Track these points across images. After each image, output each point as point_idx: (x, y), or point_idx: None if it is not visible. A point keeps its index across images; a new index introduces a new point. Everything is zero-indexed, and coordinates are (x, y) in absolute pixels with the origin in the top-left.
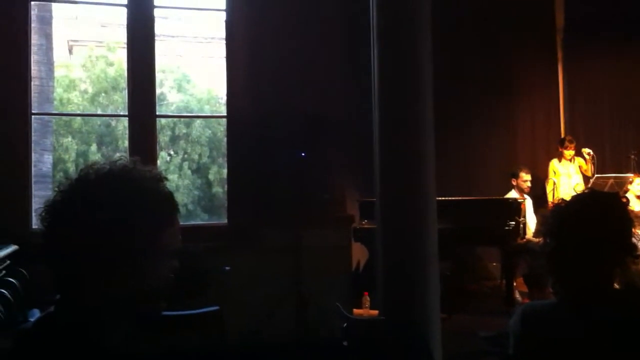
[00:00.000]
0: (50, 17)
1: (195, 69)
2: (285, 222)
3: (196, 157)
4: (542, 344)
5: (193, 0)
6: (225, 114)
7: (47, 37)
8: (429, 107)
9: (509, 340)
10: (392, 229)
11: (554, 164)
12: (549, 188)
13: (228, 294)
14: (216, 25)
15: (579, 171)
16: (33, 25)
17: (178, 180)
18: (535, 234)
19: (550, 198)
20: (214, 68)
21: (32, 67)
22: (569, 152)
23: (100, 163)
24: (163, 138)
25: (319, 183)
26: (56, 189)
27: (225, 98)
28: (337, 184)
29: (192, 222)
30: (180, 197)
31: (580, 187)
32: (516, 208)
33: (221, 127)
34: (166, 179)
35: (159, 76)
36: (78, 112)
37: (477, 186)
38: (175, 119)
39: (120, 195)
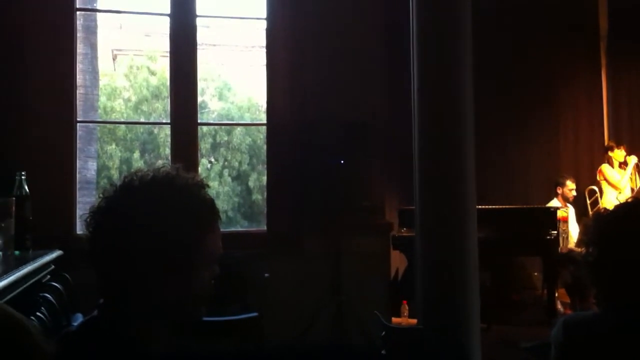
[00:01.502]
0: (95, 27)
1: (236, 77)
2: (324, 230)
3: (236, 164)
4: (584, 356)
5: (234, 9)
6: (265, 122)
7: (92, 46)
8: (470, 114)
9: (550, 351)
10: (431, 237)
11: (606, 170)
12: (592, 197)
13: (267, 301)
14: (257, 34)
15: (633, 179)
16: (78, 34)
17: (218, 187)
18: (578, 244)
19: (599, 204)
20: (254, 76)
21: (78, 76)
22: (618, 154)
23: (143, 170)
24: (204, 145)
25: (358, 190)
26: (100, 195)
27: (265, 106)
28: (377, 191)
29: (232, 229)
30: (221, 204)
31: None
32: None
33: (261, 134)
34: (208, 186)
35: (200, 84)
36: (122, 120)
37: (519, 194)
38: (216, 127)
39: (163, 201)
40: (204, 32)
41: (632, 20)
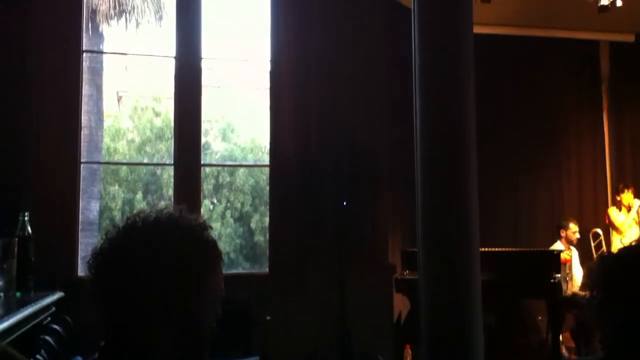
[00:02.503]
0: (101, 69)
1: (240, 118)
2: (327, 272)
3: (239, 205)
4: None
5: (238, 51)
6: (267, 163)
7: (98, 87)
8: (473, 156)
9: None
10: (434, 280)
11: (612, 213)
12: (596, 239)
13: (270, 343)
14: (261, 75)
15: (638, 223)
16: (84, 76)
17: (221, 228)
18: (582, 287)
19: (604, 247)
20: (258, 117)
21: (83, 117)
22: (626, 197)
23: (146, 211)
24: (207, 186)
25: (361, 232)
26: (103, 236)
27: (268, 147)
28: (380, 233)
29: (234, 271)
30: (223, 246)
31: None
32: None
33: (264, 175)
34: (210, 227)
35: (203, 125)
36: (125, 160)
37: (525, 237)
38: (219, 168)
39: (166, 243)
40: (209, 74)
41: (632, 62)
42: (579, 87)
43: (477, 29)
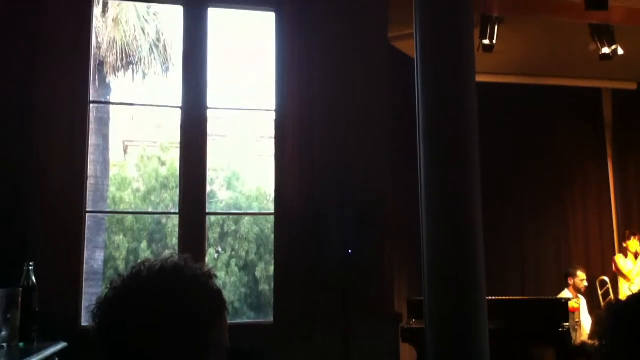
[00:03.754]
0: (108, 119)
1: (245, 167)
2: (332, 321)
3: (244, 254)
4: None
5: (244, 101)
6: (272, 211)
7: (104, 137)
8: (478, 206)
9: None
10: (441, 330)
11: (619, 260)
12: (603, 287)
13: None
14: (265, 124)
15: None
16: (91, 126)
17: (225, 277)
18: (591, 336)
19: (611, 295)
20: (263, 166)
21: (89, 167)
22: (633, 244)
23: (151, 260)
24: (212, 235)
25: (367, 280)
26: (108, 285)
27: (273, 195)
28: (386, 281)
29: (239, 320)
30: (227, 294)
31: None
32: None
33: (269, 224)
34: (215, 276)
35: (209, 174)
36: (130, 210)
37: (531, 286)
38: (224, 216)
39: (172, 292)
40: (214, 123)
41: (635, 110)
42: (582, 135)
43: (479, 78)
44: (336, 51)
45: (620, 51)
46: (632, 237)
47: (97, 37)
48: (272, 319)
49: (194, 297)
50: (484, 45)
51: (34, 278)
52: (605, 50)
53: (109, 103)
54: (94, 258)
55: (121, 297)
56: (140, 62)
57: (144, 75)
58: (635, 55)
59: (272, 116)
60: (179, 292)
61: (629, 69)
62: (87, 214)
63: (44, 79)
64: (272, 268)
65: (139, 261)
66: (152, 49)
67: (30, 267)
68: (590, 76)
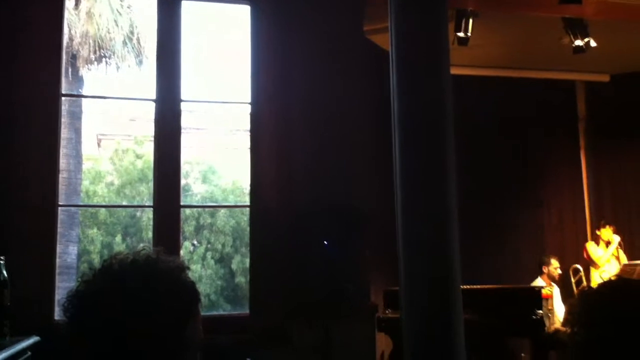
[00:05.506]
0: (80, 112)
1: (221, 160)
2: (309, 312)
3: (219, 246)
4: None
5: (219, 93)
6: (248, 204)
7: (77, 131)
8: (453, 197)
9: None
10: (416, 319)
11: (590, 247)
12: (576, 275)
13: None
14: (241, 117)
15: (617, 258)
16: (63, 119)
17: (201, 270)
18: (564, 323)
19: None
20: (239, 159)
21: (61, 160)
22: (605, 233)
23: (124, 253)
24: (188, 228)
25: (343, 272)
26: (79, 279)
27: (249, 188)
28: (363, 272)
29: (215, 313)
30: (203, 287)
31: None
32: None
33: (245, 216)
34: (189, 268)
35: (184, 167)
36: (104, 203)
37: (508, 275)
38: (200, 210)
39: (144, 285)
40: (190, 116)
41: (608, 102)
42: (556, 127)
43: (454, 71)
44: (313, 44)
45: (593, 43)
46: (606, 226)
47: (69, 30)
48: (248, 311)
49: (167, 290)
50: (459, 38)
51: (5, 273)
52: (579, 43)
53: (81, 96)
54: (67, 252)
55: (92, 291)
56: (114, 55)
57: (118, 68)
58: (608, 47)
59: (248, 109)
60: (152, 284)
61: (602, 62)
62: (60, 208)
63: (15, 72)
64: (248, 261)
65: (111, 254)
66: (125, 42)
67: (2, 262)
68: (564, 69)
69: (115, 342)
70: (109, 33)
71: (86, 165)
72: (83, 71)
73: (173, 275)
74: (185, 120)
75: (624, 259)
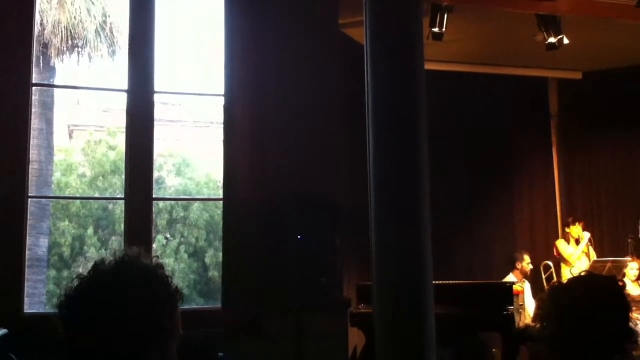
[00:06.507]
0: (52, 102)
1: (195, 153)
2: (283, 306)
3: (193, 240)
4: None
5: (192, 85)
6: (221, 197)
7: (48, 121)
8: (426, 191)
9: None
10: (388, 314)
11: (560, 245)
12: (547, 271)
13: None
14: (215, 110)
15: (587, 255)
16: (34, 110)
17: (174, 263)
18: (534, 319)
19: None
20: (213, 152)
21: (32, 151)
22: (574, 230)
23: (105, 258)
24: (160, 221)
25: (317, 267)
26: (73, 278)
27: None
28: (336, 267)
29: (187, 306)
30: (176, 281)
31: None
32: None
33: (218, 210)
34: (163, 267)
35: (158, 160)
36: (76, 195)
37: (479, 271)
38: (173, 203)
39: (132, 286)
40: (163, 109)
41: (580, 99)
42: (529, 123)
43: (429, 66)
44: (288, 37)
45: (566, 40)
46: (576, 223)
47: (41, 19)
48: (220, 305)
49: (154, 288)
50: (434, 33)
51: None
52: (552, 39)
53: (52, 86)
54: (37, 244)
55: (86, 290)
56: (86, 44)
57: (90, 58)
58: (580, 44)
59: (222, 102)
60: (139, 284)
61: (575, 59)
62: (30, 199)
63: None
64: (221, 254)
65: (96, 260)
66: (98, 31)
67: None
68: (537, 66)
69: (98, 342)
70: (81, 22)
71: (58, 156)
72: (55, 61)
73: (157, 274)
74: (159, 112)
75: (594, 256)
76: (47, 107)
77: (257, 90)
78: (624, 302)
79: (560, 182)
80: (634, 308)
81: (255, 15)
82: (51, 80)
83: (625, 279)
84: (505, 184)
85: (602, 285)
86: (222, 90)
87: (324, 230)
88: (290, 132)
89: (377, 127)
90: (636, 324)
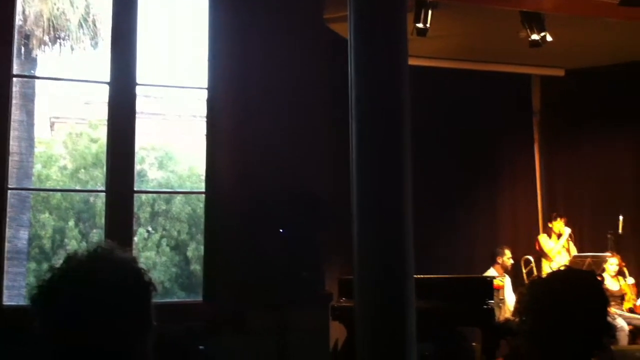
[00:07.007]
0: (33, 94)
1: (178, 146)
2: (263, 300)
3: (175, 233)
4: None
5: (176, 79)
6: (203, 190)
7: (29, 113)
8: (408, 186)
9: None
10: (370, 308)
11: (542, 240)
12: (527, 266)
13: None
14: (199, 103)
15: (568, 250)
16: (15, 101)
17: (155, 257)
18: (514, 313)
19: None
20: (196, 145)
21: (12, 143)
22: (557, 226)
23: (78, 252)
24: (143, 215)
25: (299, 260)
26: (47, 271)
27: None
28: (318, 261)
29: (168, 300)
30: (157, 275)
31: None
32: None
33: (201, 203)
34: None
35: (140, 153)
36: (57, 187)
37: (461, 266)
38: (155, 196)
39: (102, 280)
40: (146, 101)
41: (562, 97)
42: (511, 120)
43: (412, 62)
44: (272, 31)
45: (549, 38)
46: (559, 219)
47: (23, 10)
48: (201, 299)
49: (124, 282)
50: (418, 29)
51: None
52: (535, 37)
53: (34, 77)
54: (17, 237)
55: (58, 282)
56: (69, 36)
57: (72, 50)
58: (564, 42)
59: (205, 95)
60: (109, 277)
61: (558, 56)
62: (10, 191)
63: None
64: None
65: (68, 253)
66: (81, 23)
67: None
68: (520, 63)
69: (73, 336)
70: (64, 14)
71: (39, 148)
72: (36, 52)
73: (132, 267)
74: (142, 106)
75: (574, 251)
76: (28, 98)
77: (240, 83)
78: (602, 297)
79: (542, 179)
80: (612, 303)
81: (239, 9)
82: (32, 71)
83: (605, 274)
84: (488, 179)
85: (580, 280)
86: (205, 84)
87: (306, 225)
88: (274, 127)
89: (360, 122)
90: (614, 319)
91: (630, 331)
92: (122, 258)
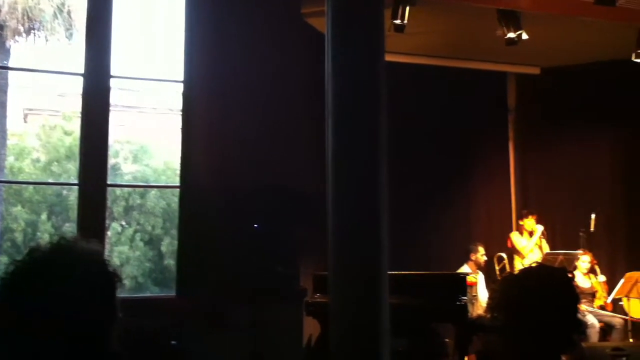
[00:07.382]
0: (6, 85)
1: (153, 140)
2: (237, 295)
3: (149, 228)
4: None
5: (152, 72)
6: (178, 184)
7: (2, 105)
8: (383, 181)
9: None
10: (344, 303)
11: (514, 237)
12: (500, 263)
13: None
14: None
15: (540, 247)
16: None
17: (129, 251)
18: (486, 309)
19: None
20: (172, 139)
21: None
22: (528, 223)
23: (41, 244)
24: (117, 209)
25: (273, 256)
26: (10, 262)
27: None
28: (292, 257)
29: (141, 295)
30: (130, 269)
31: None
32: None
33: (176, 198)
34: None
35: (114, 146)
36: (29, 180)
37: (435, 261)
38: (130, 190)
39: (64, 272)
40: (121, 94)
41: (537, 95)
42: (486, 118)
43: (388, 58)
44: (250, 24)
45: (525, 36)
46: (530, 216)
47: None
48: (174, 294)
49: (88, 274)
50: (395, 26)
51: None
52: (511, 35)
53: (7, 68)
54: None
55: (20, 275)
56: (43, 27)
57: (47, 41)
58: (539, 41)
59: (182, 88)
60: (72, 269)
61: (534, 55)
62: None
63: None
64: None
65: (31, 245)
66: (56, 14)
67: None
68: (496, 60)
69: (43, 325)
70: (38, 4)
71: (11, 140)
72: (10, 43)
73: (96, 260)
74: (116, 98)
75: (547, 248)
76: (1, 89)
77: (217, 77)
78: (572, 293)
79: (516, 176)
80: (583, 300)
81: (217, 1)
82: (5, 62)
83: (577, 272)
84: (462, 176)
85: (551, 277)
86: (181, 77)
87: (281, 220)
88: (251, 121)
89: (336, 118)
90: (585, 315)
91: (601, 328)
92: (85, 249)
